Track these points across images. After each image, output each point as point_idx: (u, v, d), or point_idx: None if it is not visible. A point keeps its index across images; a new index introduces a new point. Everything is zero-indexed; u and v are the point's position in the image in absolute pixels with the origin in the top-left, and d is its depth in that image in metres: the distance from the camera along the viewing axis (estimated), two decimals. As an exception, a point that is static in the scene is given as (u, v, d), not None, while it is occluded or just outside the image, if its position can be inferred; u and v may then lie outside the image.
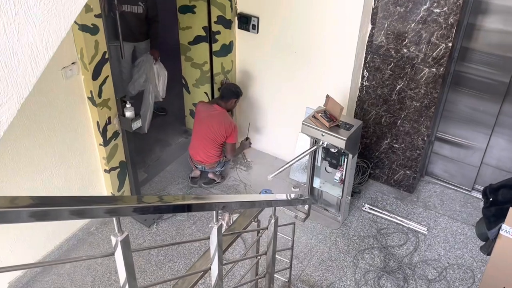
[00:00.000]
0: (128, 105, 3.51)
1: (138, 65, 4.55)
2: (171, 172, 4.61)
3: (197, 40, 4.38)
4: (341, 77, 3.96)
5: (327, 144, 3.60)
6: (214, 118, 4.15)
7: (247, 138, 4.48)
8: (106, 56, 3.35)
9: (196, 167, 4.37)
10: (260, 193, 4.23)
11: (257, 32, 4.22)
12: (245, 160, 4.75)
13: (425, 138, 4.05)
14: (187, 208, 1.68)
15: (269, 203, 2.29)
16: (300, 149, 4.25)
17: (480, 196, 4.21)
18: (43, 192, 3.40)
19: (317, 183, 4.03)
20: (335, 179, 3.79)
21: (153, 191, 4.36)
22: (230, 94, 4.18)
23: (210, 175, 4.47)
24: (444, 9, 3.46)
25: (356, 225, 4.06)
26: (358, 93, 4.14)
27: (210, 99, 4.60)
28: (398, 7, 3.62)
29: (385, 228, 4.03)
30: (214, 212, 1.78)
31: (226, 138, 4.18)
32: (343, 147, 3.49)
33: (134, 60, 4.97)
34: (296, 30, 3.99)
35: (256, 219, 2.60)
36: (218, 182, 4.46)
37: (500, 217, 3.14)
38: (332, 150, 3.70)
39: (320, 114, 3.61)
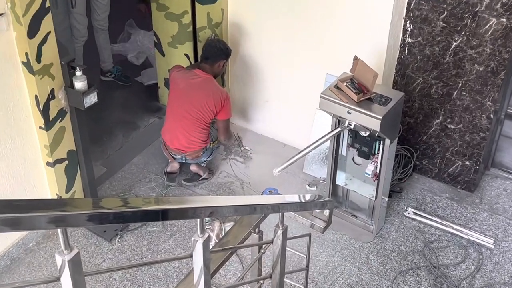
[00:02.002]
0: (78, 73, 3.50)
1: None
2: (139, 165, 4.62)
3: (174, -19, 4.36)
4: (374, 31, 3.94)
5: (355, 125, 3.60)
6: (197, 88, 4.14)
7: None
8: (47, 5, 3.33)
9: (174, 158, 4.38)
10: (262, 194, 4.23)
11: (257, -31, 4.19)
12: (242, 148, 4.74)
13: (492, 116, 4.04)
14: (162, 216, 1.68)
15: (275, 208, 2.29)
16: (317, 133, 4.24)
17: None
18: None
19: (341, 179, 4.03)
20: (367, 173, 3.79)
21: (115, 192, 4.37)
22: (216, 53, 4.17)
23: (194, 168, 4.48)
24: None
25: (395, 236, 4.07)
26: (398, 53, 4.12)
27: (193, 63, 4.59)
28: None
29: (436, 241, 4.04)
30: (198, 220, 1.78)
31: (217, 113, 4.18)
32: (378, 129, 3.48)
33: (90, 11, 4.95)
34: (311, -34, 3.96)
35: (257, 230, 2.60)
36: (204, 178, 4.47)
37: None
38: (363, 133, 3.70)
39: (345, 84, 3.59)
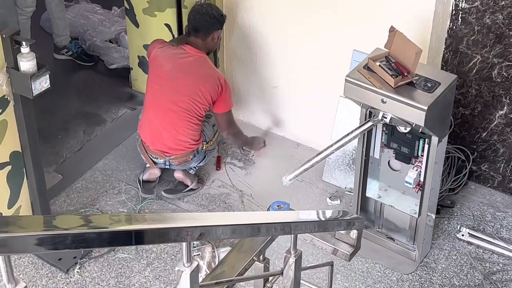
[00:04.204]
0: (24, 49, 3.49)
1: None
2: (105, 172, 4.62)
3: None
4: (417, -7, 3.94)
5: (391, 118, 3.60)
6: (188, 70, 4.14)
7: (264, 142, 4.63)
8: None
9: (155, 163, 4.37)
10: (269, 209, 4.23)
11: None
12: (242, 149, 4.74)
13: None
14: (136, 239, 1.68)
15: (286, 228, 2.29)
16: (341, 128, 4.24)
17: None
18: None
19: (373, 190, 4.03)
20: (407, 182, 3.78)
21: (74, 208, 4.36)
22: (208, 22, 4.17)
23: (179, 176, 4.48)
24: None
25: (445, 266, 4.07)
26: (449, 23, 4.11)
27: (177, 35, 4.59)
28: None
29: (499, 272, 4.04)
30: (184, 244, 1.78)
31: (213, 104, 4.18)
32: (422, 124, 3.47)
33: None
34: None
35: (261, 257, 2.60)
36: (192, 189, 4.48)
37: None
38: (402, 129, 3.69)
39: (378, 63, 3.59)
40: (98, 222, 1.62)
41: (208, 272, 3.73)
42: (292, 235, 2.40)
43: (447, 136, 3.77)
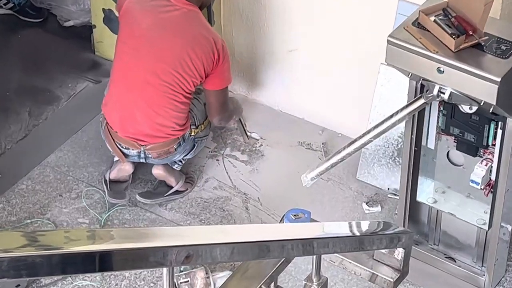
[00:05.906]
0: None
1: None
2: (60, 168, 4.63)
3: None
4: None
5: (451, 93, 3.60)
6: (173, 28, 4.17)
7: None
8: None
9: (125, 155, 4.38)
10: (283, 220, 4.24)
11: None
12: (247, 136, 4.75)
13: None
14: (101, 263, 1.68)
15: (306, 246, 2.29)
16: (381, 109, 4.24)
17: None
18: None
19: (427, 192, 4.03)
20: (474, 181, 3.79)
21: (16, 218, 4.39)
22: None
23: (159, 173, 4.50)
24: None
25: (526, 296, 4.08)
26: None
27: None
28: None
29: None
30: (165, 270, 1.78)
31: (206, 77, 4.20)
32: (493, 101, 3.47)
33: None
34: None
35: (273, 286, 2.61)
36: (177, 192, 4.50)
37: None
38: (466, 108, 3.69)
39: (434, 18, 3.58)
40: (48, 241, 1.61)
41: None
42: (315, 256, 2.40)
43: (528, 118, 3.77)
